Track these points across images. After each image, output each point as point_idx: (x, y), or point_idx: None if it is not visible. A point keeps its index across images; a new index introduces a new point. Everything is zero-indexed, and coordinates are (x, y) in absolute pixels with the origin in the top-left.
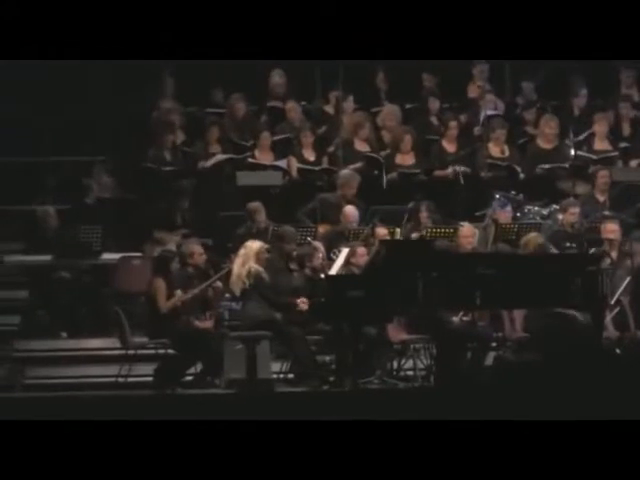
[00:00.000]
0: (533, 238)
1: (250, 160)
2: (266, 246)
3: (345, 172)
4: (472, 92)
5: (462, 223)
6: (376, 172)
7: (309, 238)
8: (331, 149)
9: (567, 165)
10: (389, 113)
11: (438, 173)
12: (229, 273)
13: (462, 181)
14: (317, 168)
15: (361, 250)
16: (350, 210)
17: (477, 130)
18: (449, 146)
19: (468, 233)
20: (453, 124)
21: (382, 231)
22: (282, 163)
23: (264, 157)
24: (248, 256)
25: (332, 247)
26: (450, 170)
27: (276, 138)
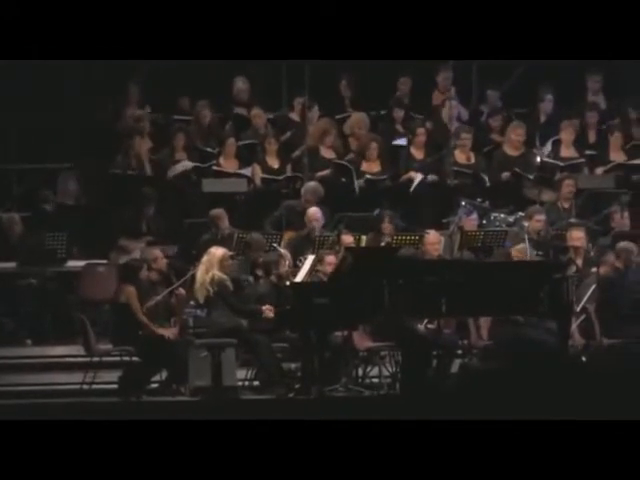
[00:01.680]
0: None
1: (215, 168)
2: (230, 253)
3: (310, 184)
4: (436, 99)
5: (428, 230)
6: (343, 180)
7: (275, 245)
8: (296, 154)
9: (531, 177)
10: (358, 121)
11: (406, 176)
12: (193, 280)
13: (412, 188)
14: (281, 177)
15: (330, 258)
16: (314, 210)
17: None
18: (417, 153)
19: (434, 240)
20: (421, 130)
21: (348, 238)
22: (246, 171)
23: (229, 164)
24: (211, 263)
25: (298, 254)
26: (413, 175)
27: (241, 143)
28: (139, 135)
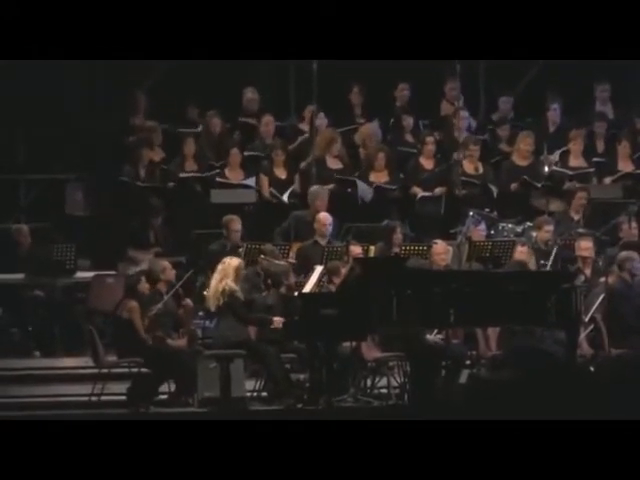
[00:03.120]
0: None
1: (219, 179)
2: (244, 263)
3: (314, 188)
4: (445, 109)
5: (435, 241)
6: (349, 190)
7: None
8: (303, 165)
9: (539, 185)
10: (369, 132)
11: (414, 190)
12: (202, 291)
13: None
14: (284, 200)
15: (340, 269)
16: (324, 215)
17: (456, 155)
18: (426, 163)
19: (441, 250)
20: (430, 139)
21: (356, 249)
22: (250, 182)
23: (233, 175)
24: (226, 273)
25: (307, 265)
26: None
27: (246, 154)
28: (149, 146)
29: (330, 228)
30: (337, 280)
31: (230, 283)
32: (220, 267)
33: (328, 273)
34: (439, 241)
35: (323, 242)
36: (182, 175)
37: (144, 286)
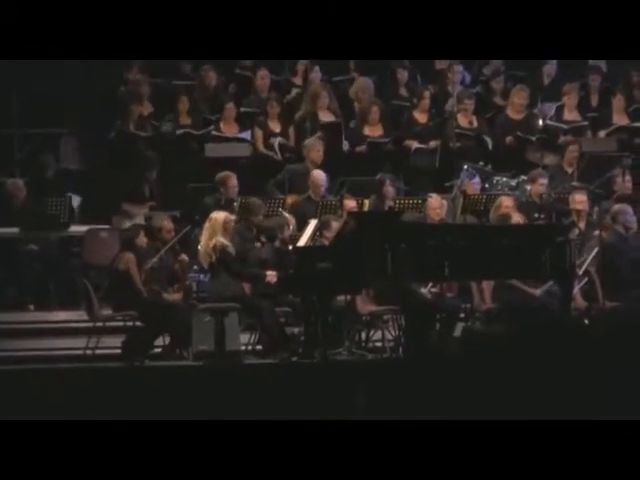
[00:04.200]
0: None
1: (214, 133)
2: (232, 217)
3: (308, 140)
4: (439, 63)
5: (430, 194)
6: (338, 139)
7: (280, 209)
8: (297, 117)
9: (534, 138)
10: (362, 86)
11: (407, 143)
12: (197, 245)
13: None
14: (275, 156)
15: (335, 225)
16: (318, 174)
17: (449, 105)
18: (420, 117)
19: (436, 205)
20: (427, 94)
21: (350, 203)
22: (246, 135)
23: (229, 129)
24: (214, 229)
25: (301, 218)
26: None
27: (242, 110)
28: (138, 100)
29: (324, 188)
30: (328, 234)
31: (220, 239)
32: (207, 224)
33: (321, 227)
34: (434, 195)
35: (317, 197)
36: (178, 132)
37: (142, 240)
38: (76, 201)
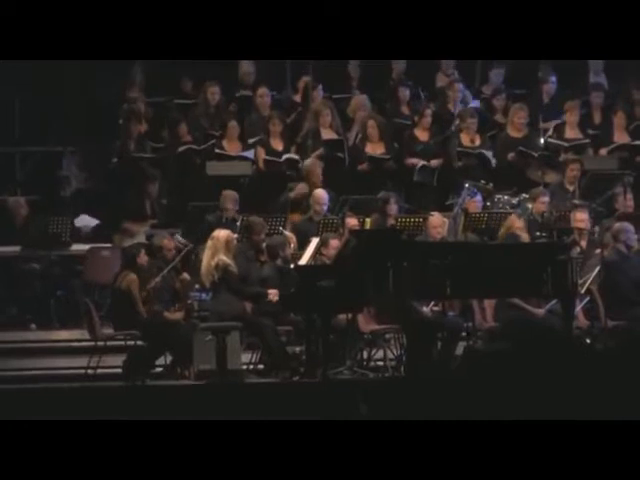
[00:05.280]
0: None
1: (217, 151)
2: (235, 235)
3: (307, 161)
4: (440, 81)
5: (432, 213)
6: (340, 155)
7: (280, 228)
8: (300, 136)
9: (536, 154)
10: (358, 103)
11: (409, 161)
12: (199, 264)
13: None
14: (280, 160)
15: (334, 242)
16: (320, 193)
17: (455, 126)
18: (422, 134)
19: (437, 223)
20: (428, 112)
21: (352, 221)
22: (249, 154)
23: (232, 147)
24: (217, 247)
25: (303, 237)
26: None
27: (251, 141)
28: (136, 118)
29: (325, 207)
30: (330, 252)
31: (222, 257)
32: (210, 242)
33: (322, 245)
34: (435, 213)
35: (318, 218)
36: (180, 149)
37: (143, 258)
38: (79, 219)
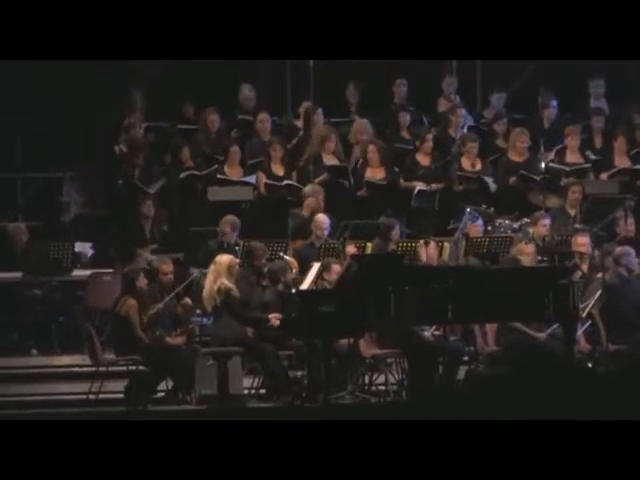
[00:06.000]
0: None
1: (219, 176)
2: (237, 260)
3: (309, 188)
4: (442, 106)
5: (427, 240)
6: (344, 182)
7: (281, 253)
8: (301, 161)
9: (538, 178)
10: (360, 127)
11: (408, 185)
12: (201, 289)
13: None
14: (281, 183)
15: (335, 267)
16: (321, 218)
17: (455, 149)
18: (423, 159)
19: (432, 254)
20: (430, 136)
21: (351, 249)
22: (251, 179)
23: (233, 172)
24: (219, 272)
25: (304, 262)
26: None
27: (251, 162)
28: (137, 145)
29: (327, 232)
30: (331, 277)
31: (225, 281)
32: (212, 267)
33: (323, 270)
34: (432, 242)
35: (319, 243)
36: (182, 175)
37: (142, 282)
38: (79, 246)
